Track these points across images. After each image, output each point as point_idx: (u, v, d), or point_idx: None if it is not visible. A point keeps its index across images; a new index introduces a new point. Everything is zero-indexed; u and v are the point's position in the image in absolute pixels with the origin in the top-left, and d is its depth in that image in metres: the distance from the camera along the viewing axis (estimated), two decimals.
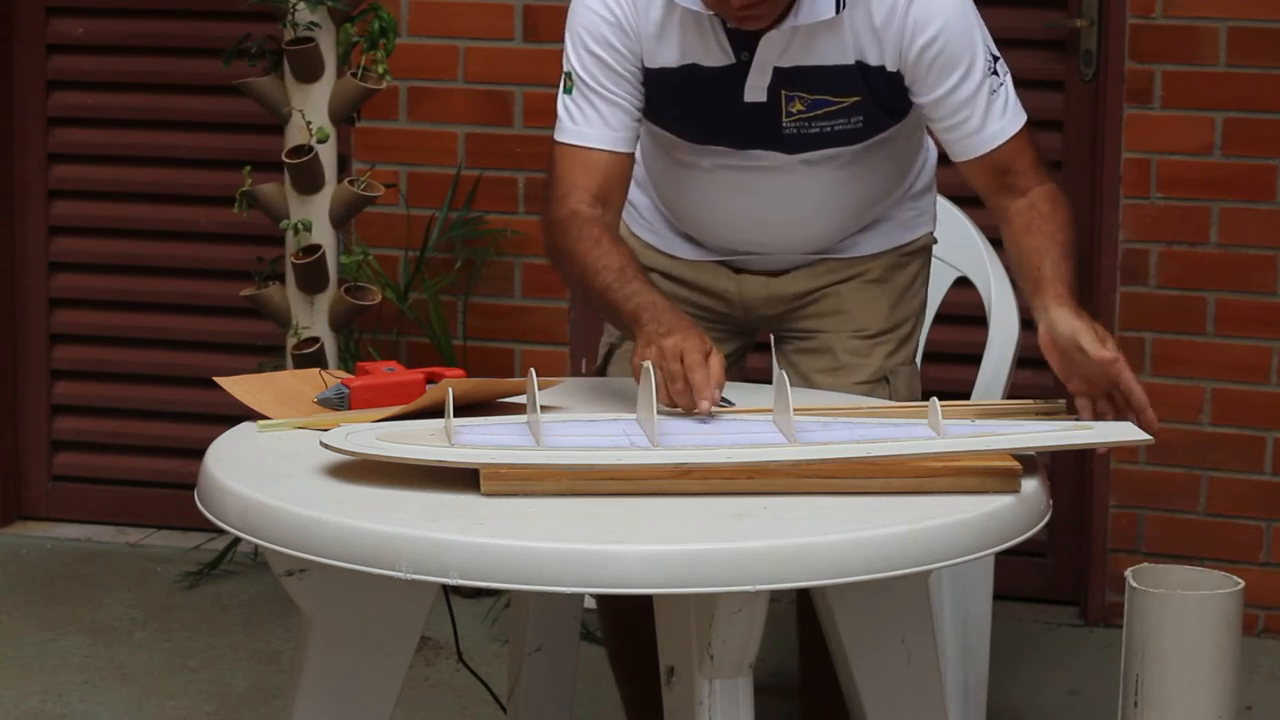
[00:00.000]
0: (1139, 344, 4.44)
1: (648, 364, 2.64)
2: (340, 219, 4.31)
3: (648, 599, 3.15)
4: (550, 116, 4.65)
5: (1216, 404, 4.44)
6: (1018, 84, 4.55)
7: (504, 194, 4.73)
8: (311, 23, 4.21)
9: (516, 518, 2.39)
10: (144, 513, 5.08)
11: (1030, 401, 2.85)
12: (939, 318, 3.72)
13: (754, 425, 2.66)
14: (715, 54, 3.02)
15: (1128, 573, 2.79)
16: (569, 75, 3.08)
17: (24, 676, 4.19)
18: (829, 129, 3.06)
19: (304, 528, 2.39)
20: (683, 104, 3.06)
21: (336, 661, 2.64)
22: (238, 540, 4.23)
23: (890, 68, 3.02)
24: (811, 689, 3.24)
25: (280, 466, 2.59)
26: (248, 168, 4.35)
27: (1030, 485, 2.55)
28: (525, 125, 4.70)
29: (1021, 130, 3.08)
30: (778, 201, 3.14)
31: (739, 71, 3.01)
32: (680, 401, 2.71)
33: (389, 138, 4.73)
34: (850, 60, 3.01)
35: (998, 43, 4.73)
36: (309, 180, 4.27)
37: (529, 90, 4.69)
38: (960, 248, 3.69)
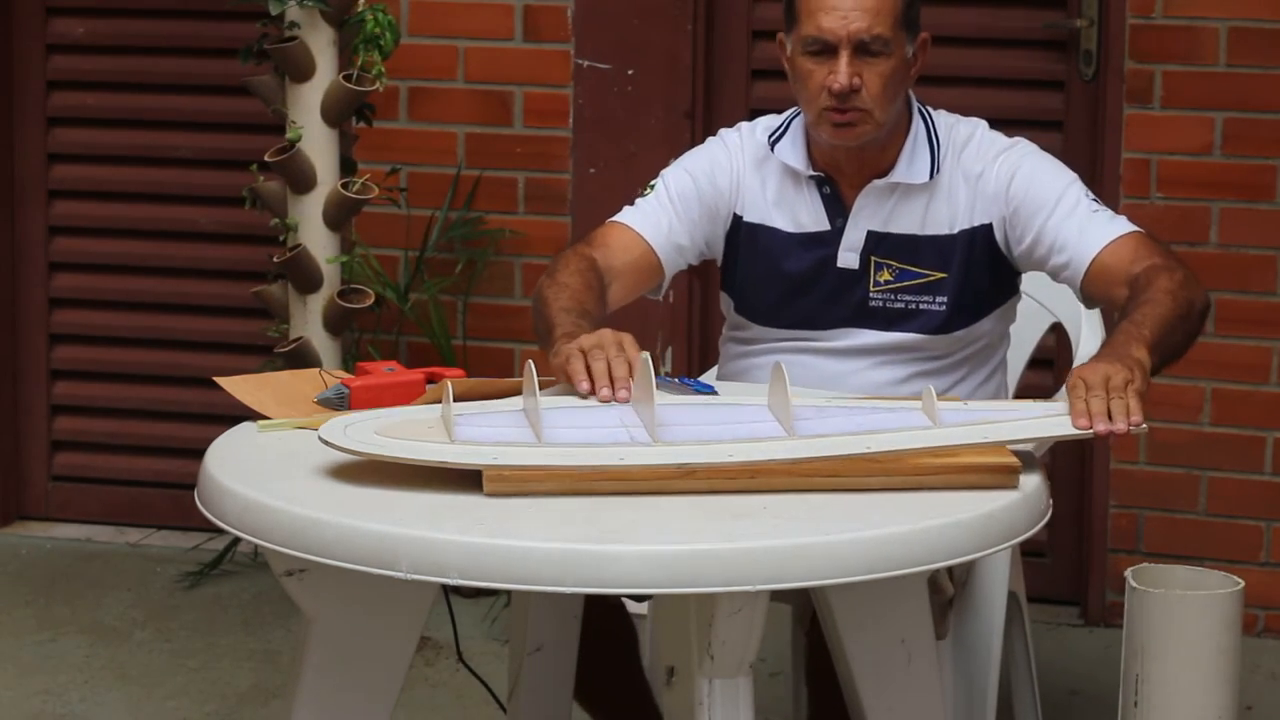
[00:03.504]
0: None
1: (645, 355, 2.65)
2: (334, 220, 4.31)
3: (627, 623, 3.21)
4: (551, 117, 4.69)
5: (1216, 404, 4.44)
6: (1017, 84, 4.58)
7: (504, 194, 4.73)
8: (292, 22, 4.21)
9: (516, 518, 2.39)
10: (144, 513, 5.07)
11: (1031, 401, 2.85)
12: (1032, 362, 3.71)
13: (750, 413, 2.66)
14: (809, 218, 3.16)
15: (1128, 573, 2.79)
16: (653, 186, 3.22)
17: (24, 676, 4.19)
18: (914, 305, 3.15)
19: (304, 528, 2.39)
20: (771, 269, 3.16)
21: (336, 662, 2.64)
22: (238, 540, 4.21)
23: (994, 219, 3.12)
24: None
25: (280, 466, 2.58)
26: (254, 165, 4.36)
27: (1030, 484, 2.56)
28: (525, 125, 4.70)
29: (1137, 232, 3.11)
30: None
31: (832, 237, 3.15)
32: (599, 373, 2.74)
33: (389, 138, 4.72)
34: (944, 230, 3.13)
35: (997, 42, 4.73)
36: (297, 180, 4.27)
37: (529, 90, 4.68)
38: (1057, 294, 3.61)
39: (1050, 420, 2.67)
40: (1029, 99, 4.49)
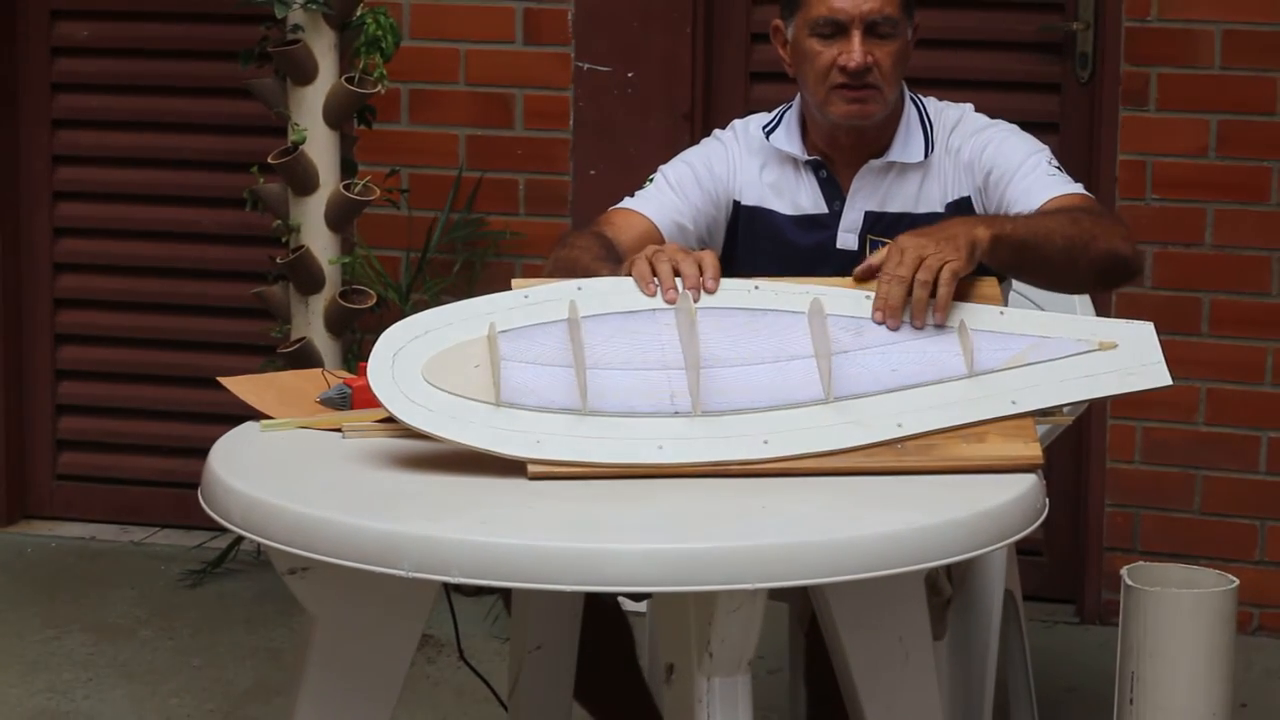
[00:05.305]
0: None
1: (686, 305, 2.68)
2: (336, 222, 4.33)
3: (623, 624, 3.23)
4: (551, 119, 4.70)
5: (1212, 404, 4.45)
6: (1014, 87, 4.58)
7: (505, 196, 4.74)
8: (295, 25, 4.23)
9: (517, 517, 2.41)
10: (148, 511, 5.09)
11: (1066, 318, 2.86)
12: None
13: (790, 372, 2.69)
14: (808, 201, 3.19)
15: (1123, 571, 2.80)
16: (652, 179, 3.23)
17: (28, 674, 4.20)
18: None
19: (307, 526, 2.40)
20: (773, 252, 3.17)
21: (338, 659, 2.65)
22: (240, 539, 4.24)
23: (971, 191, 3.16)
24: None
25: (283, 466, 2.60)
26: (255, 167, 4.38)
27: (1026, 483, 2.58)
28: (526, 127, 4.71)
29: (1088, 195, 3.12)
30: None
31: (830, 220, 3.18)
32: (670, 287, 2.76)
33: (390, 140, 4.74)
34: (936, 208, 3.16)
35: (993, 45, 4.73)
36: (300, 181, 4.29)
37: (530, 93, 4.70)
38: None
39: (1081, 381, 2.70)
40: (1025, 101, 4.50)
